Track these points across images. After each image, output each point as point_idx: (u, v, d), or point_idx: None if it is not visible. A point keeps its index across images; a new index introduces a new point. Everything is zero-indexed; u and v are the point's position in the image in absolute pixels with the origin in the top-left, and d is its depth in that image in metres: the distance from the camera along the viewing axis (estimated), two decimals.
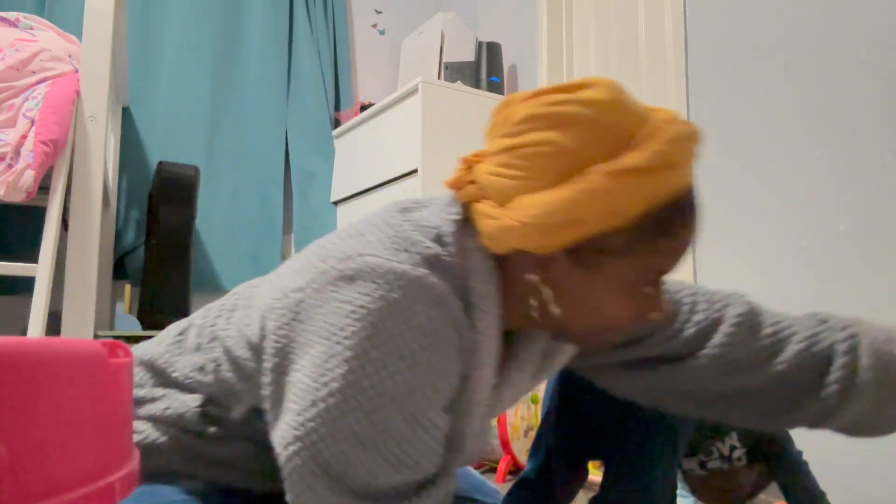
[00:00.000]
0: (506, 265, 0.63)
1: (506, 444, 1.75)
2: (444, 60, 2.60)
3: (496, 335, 0.62)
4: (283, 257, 2.65)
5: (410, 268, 0.56)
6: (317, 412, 0.55)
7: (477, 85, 2.55)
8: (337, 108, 2.88)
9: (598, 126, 0.55)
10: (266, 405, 0.61)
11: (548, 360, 0.74)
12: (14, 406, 0.33)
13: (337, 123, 2.84)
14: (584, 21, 2.46)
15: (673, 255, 0.59)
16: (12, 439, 0.32)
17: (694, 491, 0.96)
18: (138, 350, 0.78)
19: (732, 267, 1.66)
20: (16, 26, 1.75)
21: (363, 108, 2.74)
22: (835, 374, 0.71)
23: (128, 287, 2.29)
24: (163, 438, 0.71)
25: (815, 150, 1.49)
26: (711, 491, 0.94)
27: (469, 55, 2.66)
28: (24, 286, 2.05)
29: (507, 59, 2.69)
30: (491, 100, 2.44)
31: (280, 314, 0.60)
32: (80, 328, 1.47)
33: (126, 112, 2.42)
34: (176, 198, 2.19)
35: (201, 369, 0.71)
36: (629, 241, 0.57)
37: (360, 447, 0.54)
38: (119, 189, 2.36)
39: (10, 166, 1.49)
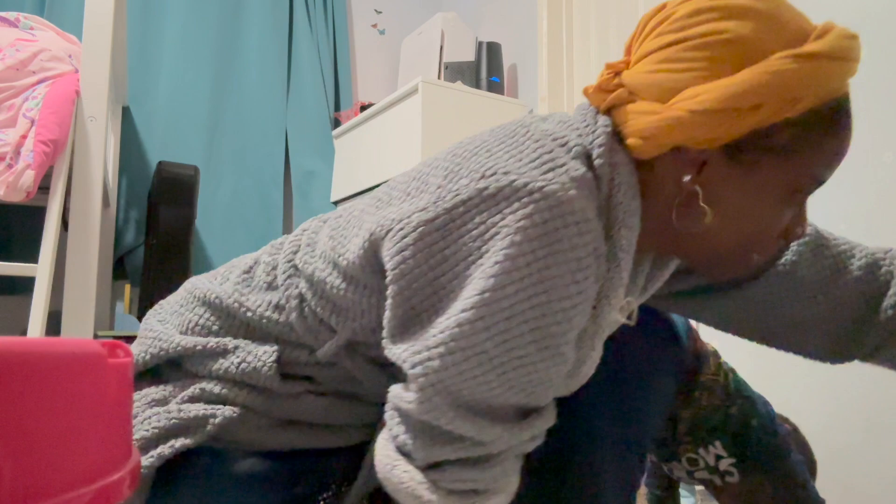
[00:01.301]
0: (648, 176, 0.60)
1: None
2: (443, 60, 2.60)
3: (632, 255, 0.59)
4: None
5: (559, 188, 0.52)
6: (450, 332, 0.53)
7: (477, 85, 2.55)
8: (337, 108, 2.88)
9: (776, 19, 0.55)
10: (385, 329, 0.59)
11: (649, 286, 0.72)
12: (14, 406, 0.33)
13: (337, 123, 2.84)
14: (584, 21, 2.45)
15: (834, 160, 0.58)
16: (12, 439, 0.32)
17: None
18: (199, 287, 0.72)
19: None
20: (16, 26, 1.75)
21: (363, 108, 2.74)
22: (891, 299, 0.69)
23: (128, 287, 2.29)
24: (234, 401, 0.67)
25: None
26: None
27: (469, 55, 2.66)
28: (24, 286, 2.05)
29: (507, 59, 2.69)
30: (491, 100, 2.44)
31: (403, 236, 0.56)
32: (80, 328, 1.47)
33: (126, 112, 2.42)
34: (176, 198, 2.18)
35: (277, 308, 0.67)
36: (795, 138, 0.55)
37: (489, 367, 0.54)
38: (119, 189, 2.36)
39: (9, 166, 1.49)
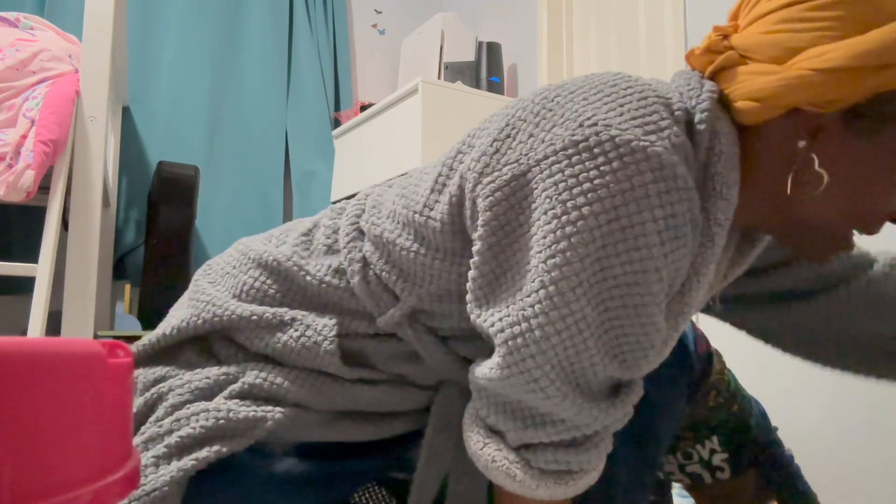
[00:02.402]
0: (753, 143, 0.57)
1: None
2: (443, 60, 2.60)
3: (727, 231, 0.56)
4: None
5: (663, 150, 0.50)
6: (545, 293, 0.51)
7: (477, 85, 2.55)
8: (337, 108, 2.88)
9: None
10: (470, 292, 0.56)
11: (729, 273, 0.68)
12: (13, 406, 0.33)
13: (337, 123, 2.84)
14: (584, 21, 2.45)
15: None
16: (12, 439, 0.32)
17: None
18: (254, 248, 0.69)
19: None
20: (16, 26, 1.75)
21: (363, 108, 2.74)
22: None
23: (128, 287, 2.29)
24: (284, 399, 0.63)
25: None
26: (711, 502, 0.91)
27: (469, 55, 2.66)
28: (24, 286, 2.05)
29: (507, 59, 2.69)
30: (491, 100, 2.44)
31: (494, 189, 0.53)
32: (80, 328, 1.47)
33: (126, 112, 2.42)
34: (176, 198, 2.18)
35: (338, 272, 0.64)
36: None
37: (586, 333, 0.52)
38: (119, 189, 2.36)
39: (9, 166, 1.49)
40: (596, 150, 0.50)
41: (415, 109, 2.29)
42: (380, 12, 3.14)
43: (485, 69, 2.56)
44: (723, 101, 0.57)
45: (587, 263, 0.50)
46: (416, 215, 0.60)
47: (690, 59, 0.60)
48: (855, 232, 0.59)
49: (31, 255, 1.53)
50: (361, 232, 0.65)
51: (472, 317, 0.57)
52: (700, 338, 0.84)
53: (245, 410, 0.62)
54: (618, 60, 2.26)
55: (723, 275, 0.67)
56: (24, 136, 1.51)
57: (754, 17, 0.57)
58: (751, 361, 1.36)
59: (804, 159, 0.55)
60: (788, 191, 0.56)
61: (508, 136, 0.55)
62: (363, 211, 0.66)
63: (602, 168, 0.49)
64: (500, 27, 2.76)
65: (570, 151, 0.51)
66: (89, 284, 1.50)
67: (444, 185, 0.59)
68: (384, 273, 0.62)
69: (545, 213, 0.51)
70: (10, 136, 1.52)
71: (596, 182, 0.49)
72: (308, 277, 0.65)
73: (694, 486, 0.90)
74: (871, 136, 0.53)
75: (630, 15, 2.21)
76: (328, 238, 0.66)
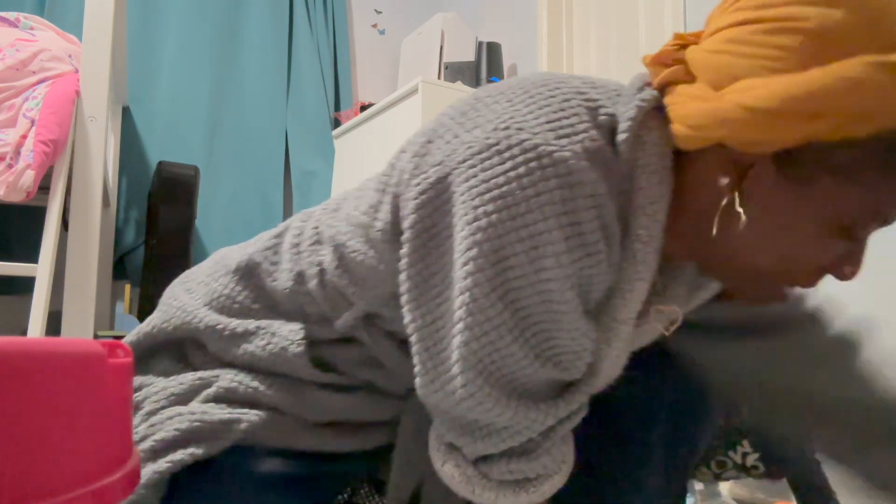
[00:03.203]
0: (688, 167, 0.54)
1: None
2: (443, 60, 2.60)
3: (656, 248, 0.53)
4: None
5: (571, 156, 0.49)
6: (461, 300, 0.51)
7: (477, 85, 2.54)
8: (337, 108, 2.88)
9: (874, 14, 0.45)
10: (401, 297, 0.56)
11: (693, 297, 0.65)
12: (13, 406, 0.33)
13: (337, 123, 2.84)
14: (584, 21, 2.45)
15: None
16: (12, 439, 0.32)
17: None
18: (229, 256, 0.70)
19: None
20: (16, 26, 1.75)
21: (363, 108, 2.74)
22: None
23: (128, 287, 2.29)
24: (260, 402, 0.63)
25: None
26: None
27: (469, 55, 2.66)
28: (24, 286, 2.05)
29: (507, 59, 2.69)
30: None
31: (420, 192, 0.53)
32: (80, 328, 1.47)
33: (126, 112, 2.42)
34: (176, 198, 2.18)
35: (300, 276, 0.64)
36: (861, 162, 0.46)
37: (508, 338, 0.52)
38: (119, 189, 2.36)
39: (9, 166, 1.49)
40: (505, 154, 0.50)
41: (415, 109, 2.29)
42: (380, 12, 3.14)
43: (485, 69, 2.56)
44: (666, 115, 0.54)
45: (498, 270, 0.50)
46: (364, 217, 0.60)
47: (645, 64, 0.57)
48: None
49: (31, 255, 1.53)
50: (320, 233, 0.65)
51: (405, 322, 0.56)
52: None
53: (220, 413, 0.62)
54: (618, 60, 2.26)
55: (685, 297, 0.64)
56: (24, 136, 1.51)
57: (713, 29, 0.53)
58: None
59: (723, 197, 0.51)
60: (714, 228, 0.52)
61: (438, 137, 0.55)
62: (323, 218, 0.67)
63: (509, 173, 0.49)
64: (500, 27, 2.76)
65: (483, 155, 0.51)
66: (89, 284, 1.50)
67: (385, 185, 0.59)
68: (335, 279, 0.62)
69: (461, 217, 0.51)
70: (10, 136, 1.52)
71: (504, 188, 0.49)
72: (274, 283, 0.65)
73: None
74: (804, 185, 0.49)
75: (630, 15, 2.21)
76: (295, 238, 0.67)
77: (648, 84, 0.56)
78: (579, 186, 0.49)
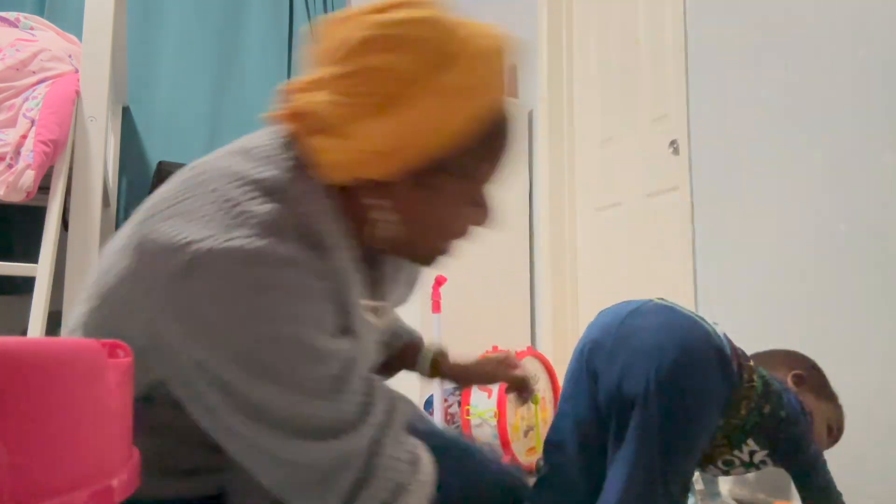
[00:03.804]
0: (348, 194, 0.64)
1: (506, 445, 1.75)
2: None
3: (353, 266, 0.64)
4: None
5: (246, 243, 0.55)
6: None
7: None
8: None
9: (434, 55, 0.59)
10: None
11: (390, 289, 0.78)
12: (14, 406, 0.33)
13: None
14: (584, 21, 2.45)
15: (498, 169, 0.67)
16: (12, 439, 0.32)
17: None
18: None
19: (732, 267, 1.66)
20: (16, 26, 1.75)
21: None
22: None
23: None
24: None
25: (814, 149, 1.49)
26: None
27: None
28: (24, 286, 2.05)
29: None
30: None
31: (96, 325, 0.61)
32: None
33: (126, 112, 2.42)
34: None
35: None
36: (463, 163, 0.63)
37: (266, 381, 0.56)
38: (119, 189, 2.36)
39: (10, 166, 1.49)
40: (192, 270, 0.55)
41: None
42: None
43: None
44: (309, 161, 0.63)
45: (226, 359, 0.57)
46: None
47: (269, 121, 0.66)
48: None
49: (32, 255, 1.53)
50: None
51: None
52: (735, 351, 0.86)
53: None
54: (618, 60, 2.25)
55: (408, 272, 0.81)
56: (25, 136, 1.51)
57: (324, 79, 0.61)
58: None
59: (379, 214, 0.65)
60: (372, 237, 0.66)
61: (125, 246, 0.61)
62: None
63: (200, 291, 0.56)
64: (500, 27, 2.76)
65: (176, 279, 0.56)
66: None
67: None
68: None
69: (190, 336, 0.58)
70: (10, 136, 1.52)
71: (206, 298, 0.55)
72: None
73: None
74: (435, 188, 0.64)
75: (630, 15, 2.21)
76: None
77: (289, 138, 0.65)
78: (271, 262, 0.56)
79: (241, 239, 0.55)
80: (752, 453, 0.89)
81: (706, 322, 0.85)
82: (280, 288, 0.56)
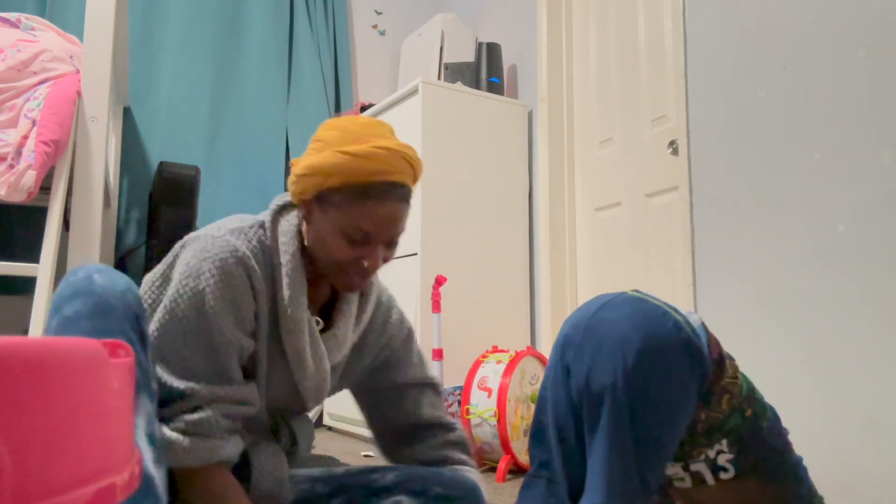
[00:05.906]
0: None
1: (506, 444, 1.76)
2: (443, 61, 2.60)
3: (302, 285, 0.95)
4: None
5: (225, 267, 0.90)
6: (156, 335, 0.89)
7: (477, 85, 2.55)
8: (337, 108, 2.89)
9: (346, 131, 0.92)
10: None
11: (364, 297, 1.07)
12: (15, 406, 0.33)
13: None
14: (584, 21, 2.45)
15: (368, 220, 0.90)
16: (13, 439, 0.33)
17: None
18: None
19: (732, 267, 1.66)
20: (17, 27, 1.75)
21: (363, 108, 2.74)
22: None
23: None
24: None
25: (814, 150, 1.50)
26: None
27: (469, 56, 2.66)
28: (25, 286, 2.06)
29: (507, 60, 2.69)
30: (491, 100, 2.44)
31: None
32: None
33: (127, 112, 2.42)
34: (176, 198, 2.19)
35: None
36: (339, 200, 0.90)
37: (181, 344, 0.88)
38: (120, 189, 2.36)
39: (11, 166, 1.50)
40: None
41: (415, 110, 2.29)
42: (380, 13, 3.14)
43: (485, 70, 2.56)
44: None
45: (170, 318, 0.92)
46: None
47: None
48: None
49: (33, 255, 1.53)
50: None
51: None
52: (713, 342, 0.84)
53: None
54: (618, 60, 2.26)
55: (358, 305, 1.07)
56: (26, 137, 1.52)
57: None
58: (752, 362, 1.36)
59: (303, 220, 0.97)
60: (306, 240, 0.97)
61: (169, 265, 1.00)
62: None
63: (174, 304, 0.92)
64: (500, 27, 2.76)
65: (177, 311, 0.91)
66: None
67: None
68: None
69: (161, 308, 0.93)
70: (11, 136, 1.52)
71: (176, 305, 0.91)
72: None
73: (692, 485, 0.89)
74: (326, 212, 0.91)
75: (630, 15, 2.21)
76: None
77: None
78: (231, 278, 0.91)
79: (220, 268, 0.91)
80: (718, 452, 0.87)
81: (678, 312, 0.84)
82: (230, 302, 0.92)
